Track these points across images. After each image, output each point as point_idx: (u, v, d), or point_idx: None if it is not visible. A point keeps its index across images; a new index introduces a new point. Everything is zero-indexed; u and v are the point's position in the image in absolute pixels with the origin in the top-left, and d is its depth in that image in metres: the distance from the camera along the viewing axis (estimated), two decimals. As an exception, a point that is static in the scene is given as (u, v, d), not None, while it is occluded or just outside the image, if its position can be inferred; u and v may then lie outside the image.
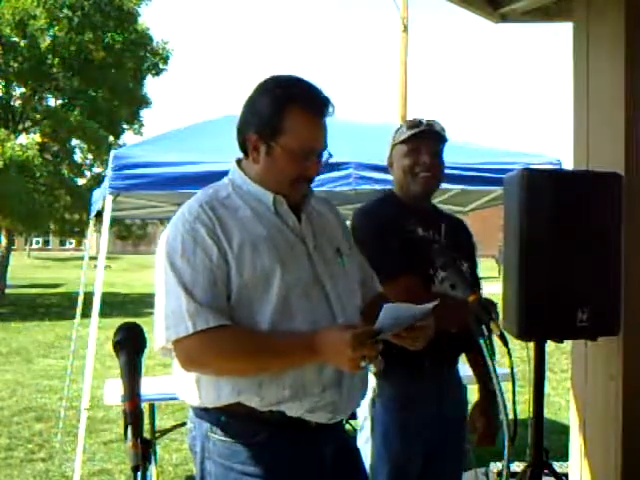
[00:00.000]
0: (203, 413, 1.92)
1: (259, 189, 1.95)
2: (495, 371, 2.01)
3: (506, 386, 2.13)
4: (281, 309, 1.85)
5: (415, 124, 2.65)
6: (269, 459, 1.87)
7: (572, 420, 2.97)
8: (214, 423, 1.90)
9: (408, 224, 2.61)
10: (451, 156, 4.84)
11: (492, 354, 2.00)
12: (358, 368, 1.77)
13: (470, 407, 2.83)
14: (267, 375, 1.85)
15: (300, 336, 1.84)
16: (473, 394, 2.90)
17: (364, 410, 2.60)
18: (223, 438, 1.88)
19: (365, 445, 2.57)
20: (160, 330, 1.84)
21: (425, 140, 2.63)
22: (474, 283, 2.59)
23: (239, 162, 2.03)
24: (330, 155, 1.98)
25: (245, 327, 1.85)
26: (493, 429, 2.72)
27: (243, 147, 1.98)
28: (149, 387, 4.49)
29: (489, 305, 2.11)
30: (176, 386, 1.99)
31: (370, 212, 2.68)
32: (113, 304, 16.23)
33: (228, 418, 1.88)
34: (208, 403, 1.90)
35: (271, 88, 1.94)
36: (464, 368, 2.86)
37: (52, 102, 21.46)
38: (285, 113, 1.88)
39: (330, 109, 1.93)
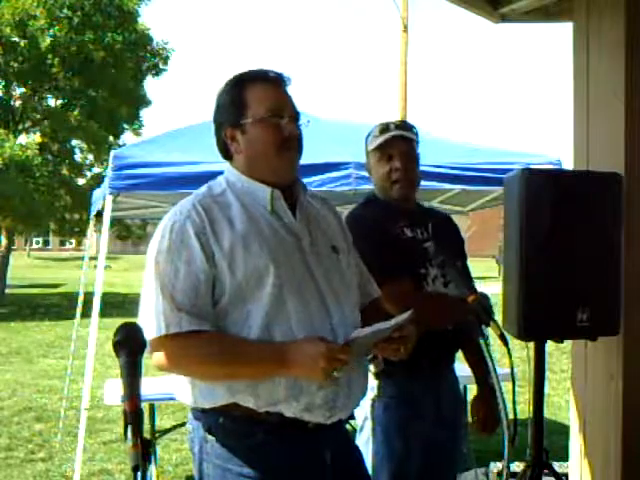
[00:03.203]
0: (201, 415, 1.92)
1: (255, 184, 1.96)
2: (495, 370, 2.01)
3: (506, 386, 2.13)
4: (274, 307, 1.85)
5: (384, 129, 2.65)
6: (267, 461, 1.86)
7: (572, 420, 2.97)
8: (212, 425, 1.89)
9: (395, 226, 2.62)
10: (451, 156, 4.87)
11: (488, 346, 2.01)
12: (330, 378, 1.79)
13: (471, 400, 2.84)
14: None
15: (273, 346, 1.83)
16: (471, 394, 2.91)
17: (363, 410, 2.60)
18: (219, 439, 1.88)
19: (365, 445, 2.57)
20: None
21: (396, 144, 2.64)
22: (468, 280, 2.60)
23: (232, 165, 2.05)
24: (308, 121, 2.01)
25: (220, 334, 1.85)
26: (493, 418, 2.72)
27: (225, 151, 2.01)
28: (149, 387, 4.48)
29: (483, 299, 2.12)
30: (174, 387, 1.99)
31: (358, 216, 2.69)
32: (113, 304, 16.19)
33: (225, 420, 1.87)
34: (204, 404, 1.89)
35: (226, 84, 2.02)
36: (463, 368, 2.86)
37: (52, 102, 21.45)
38: (244, 92, 1.95)
39: (285, 79, 1.99)
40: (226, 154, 2.02)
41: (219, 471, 1.88)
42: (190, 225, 1.85)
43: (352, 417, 2.53)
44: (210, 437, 1.89)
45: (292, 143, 1.95)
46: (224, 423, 1.87)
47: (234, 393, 1.84)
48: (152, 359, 1.85)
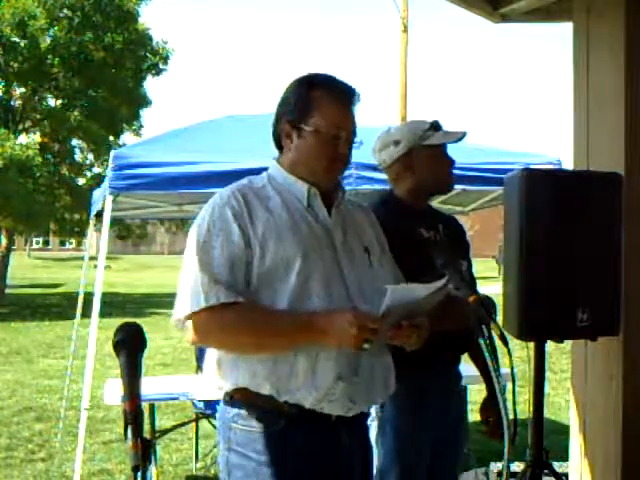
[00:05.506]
0: (227, 402, 1.97)
1: (294, 180, 2.02)
2: (496, 370, 2.01)
3: (506, 386, 2.13)
4: (299, 297, 1.89)
5: (438, 126, 2.65)
6: (286, 450, 1.91)
7: (572, 420, 2.97)
8: (236, 412, 1.94)
9: (413, 226, 2.61)
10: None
11: (494, 352, 2.01)
12: (360, 348, 1.82)
13: (481, 403, 2.84)
14: (281, 361, 1.88)
15: (304, 316, 1.88)
16: (472, 394, 2.90)
17: (372, 409, 2.59)
18: (242, 427, 1.93)
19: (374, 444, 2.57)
20: (179, 303, 1.93)
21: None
22: (472, 282, 2.59)
23: (277, 160, 2.10)
24: (361, 142, 2.06)
25: (254, 304, 1.90)
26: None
27: (278, 142, 2.06)
28: (149, 387, 4.48)
29: (488, 304, 2.11)
30: (208, 370, 2.04)
31: (378, 216, 2.65)
32: (113, 304, 16.21)
33: (248, 408, 1.92)
34: (225, 384, 1.95)
35: (299, 80, 2.05)
36: (466, 368, 2.86)
37: (52, 102, 21.46)
38: (313, 97, 1.99)
39: (356, 98, 2.03)
40: (278, 144, 2.07)
41: (241, 459, 1.93)
42: (229, 209, 1.93)
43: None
44: (234, 424, 1.94)
45: (341, 163, 2.03)
46: (248, 411, 1.92)
47: (254, 376, 1.89)
48: (186, 333, 1.92)
